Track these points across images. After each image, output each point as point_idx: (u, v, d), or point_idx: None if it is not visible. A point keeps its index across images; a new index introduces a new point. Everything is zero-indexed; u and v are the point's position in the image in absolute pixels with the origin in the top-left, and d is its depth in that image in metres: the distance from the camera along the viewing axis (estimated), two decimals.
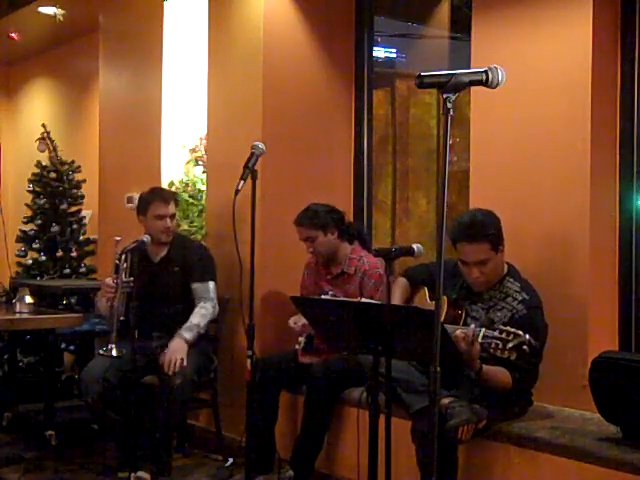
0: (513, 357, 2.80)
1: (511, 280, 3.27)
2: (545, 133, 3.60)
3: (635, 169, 3.56)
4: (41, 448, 4.44)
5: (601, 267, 3.53)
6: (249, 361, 3.50)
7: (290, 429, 4.12)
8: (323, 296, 3.92)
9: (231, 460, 4.26)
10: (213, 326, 4.37)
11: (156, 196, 4.21)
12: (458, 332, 2.93)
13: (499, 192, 3.73)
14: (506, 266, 3.31)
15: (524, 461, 3.12)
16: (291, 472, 3.83)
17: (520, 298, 3.20)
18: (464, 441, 3.02)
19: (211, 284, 4.20)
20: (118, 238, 3.87)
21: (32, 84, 7.96)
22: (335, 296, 3.93)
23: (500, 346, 2.80)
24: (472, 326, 2.94)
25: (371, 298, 3.83)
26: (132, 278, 3.79)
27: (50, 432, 4.45)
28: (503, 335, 2.80)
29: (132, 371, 3.77)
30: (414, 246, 3.13)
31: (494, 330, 2.85)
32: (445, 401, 3.04)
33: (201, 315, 4.11)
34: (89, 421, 4.53)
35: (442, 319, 3.18)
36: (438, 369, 2.03)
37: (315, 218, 3.99)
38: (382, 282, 3.81)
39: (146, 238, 3.91)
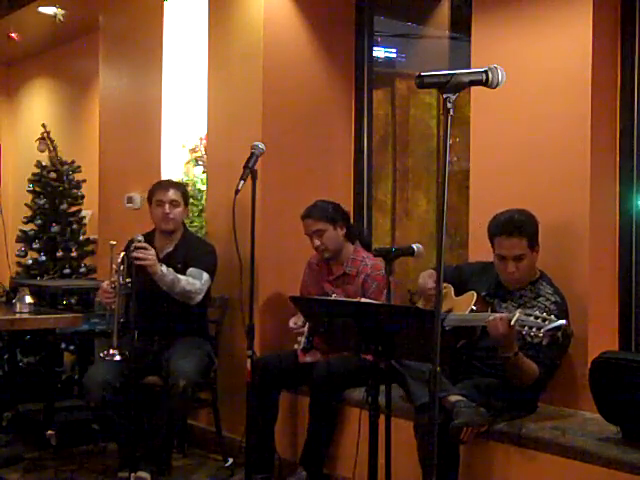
0: (545, 341, 2.82)
1: (544, 284, 3.31)
2: (545, 133, 3.60)
3: (635, 169, 3.56)
4: (41, 448, 4.44)
5: (601, 267, 3.53)
6: (249, 361, 3.50)
7: (290, 429, 4.12)
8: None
9: (231, 460, 4.25)
10: (213, 326, 4.38)
11: (157, 184, 4.35)
12: (496, 315, 2.98)
13: (499, 192, 3.73)
14: (539, 271, 3.35)
15: (524, 461, 3.12)
16: (304, 473, 3.80)
17: (553, 299, 3.24)
18: (465, 442, 3.04)
19: (205, 274, 4.09)
20: (113, 242, 3.82)
21: (32, 84, 7.95)
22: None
23: (534, 329, 2.82)
24: (505, 312, 2.97)
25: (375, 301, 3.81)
26: (130, 279, 3.76)
27: (50, 432, 4.44)
28: (539, 320, 2.83)
29: (133, 372, 3.76)
30: (414, 246, 3.14)
31: (529, 315, 2.87)
32: (452, 399, 3.06)
33: (187, 282, 4.00)
34: (89, 421, 4.53)
35: (468, 313, 3.21)
36: (438, 369, 2.03)
37: (324, 211, 3.99)
38: (385, 284, 3.79)
39: (140, 237, 3.88)
